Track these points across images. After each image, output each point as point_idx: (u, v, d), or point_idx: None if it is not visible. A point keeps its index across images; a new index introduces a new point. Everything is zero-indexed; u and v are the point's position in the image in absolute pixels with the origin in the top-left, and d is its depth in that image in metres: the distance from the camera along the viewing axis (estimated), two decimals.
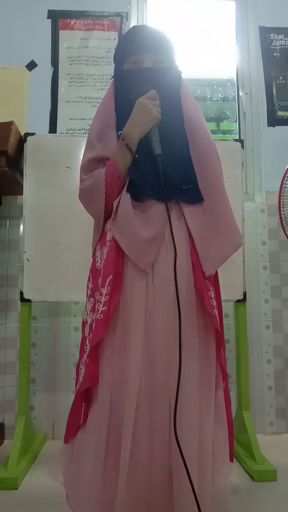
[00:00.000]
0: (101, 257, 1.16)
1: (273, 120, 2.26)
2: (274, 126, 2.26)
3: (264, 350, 2.09)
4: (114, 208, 1.14)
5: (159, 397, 1.03)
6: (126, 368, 1.04)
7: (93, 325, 1.10)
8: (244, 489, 1.47)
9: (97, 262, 1.18)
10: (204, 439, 1.06)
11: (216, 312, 1.13)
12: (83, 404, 1.10)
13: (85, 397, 1.09)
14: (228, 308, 2.06)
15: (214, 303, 1.13)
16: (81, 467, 1.07)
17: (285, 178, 1.90)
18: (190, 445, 1.03)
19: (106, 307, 1.07)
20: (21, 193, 1.85)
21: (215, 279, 1.20)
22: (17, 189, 1.95)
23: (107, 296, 1.07)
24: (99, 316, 1.07)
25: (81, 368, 1.13)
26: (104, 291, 1.08)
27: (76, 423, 1.11)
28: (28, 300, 1.78)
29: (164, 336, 1.05)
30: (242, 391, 1.82)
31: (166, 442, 1.01)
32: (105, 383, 1.06)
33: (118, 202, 1.13)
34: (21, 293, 1.77)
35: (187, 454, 1.01)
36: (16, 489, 1.49)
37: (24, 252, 1.79)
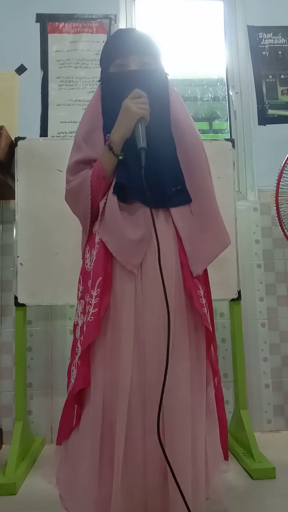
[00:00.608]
0: (90, 259, 1.17)
1: (264, 119, 2.26)
2: (265, 125, 2.26)
3: (260, 348, 2.10)
4: (101, 209, 1.14)
5: (151, 396, 1.04)
6: (117, 369, 1.05)
7: (84, 327, 1.10)
8: (243, 488, 1.47)
9: (87, 264, 1.18)
10: (196, 437, 1.06)
11: (205, 310, 1.14)
12: (76, 406, 1.10)
13: (77, 399, 1.10)
14: (223, 307, 2.06)
15: (204, 301, 1.14)
16: (76, 468, 1.07)
17: (283, 174, 1.89)
18: (183, 444, 1.03)
19: (96, 309, 1.07)
20: (13, 198, 1.85)
21: (204, 277, 1.20)
22: (9, 194, 1.95)
23: (97, 298, 1.08)
24: (90, 318, 1.07)
25: (72, 370, 1.14)
26: (94, 293, 1.08)
27: (69, 425, 1.11)
28: (23, 305, 1.78)
29: (155, 336, 1.06)
30: (239, 389, 1.83)
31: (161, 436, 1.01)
32: (97, 384, 1.06)
33: (105, 203, 1.14)
34: (16, 298, 1.77)
35: (180, 452, 1.01)
36: (15, 494, 1.48)
37: (18, 256, 1.79)
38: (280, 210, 1.88)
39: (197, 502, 1.03)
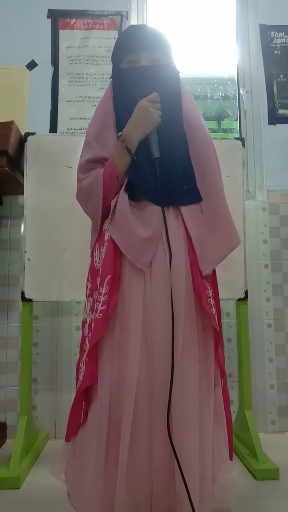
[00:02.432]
0: (99, 257, 1.16)
1: (274, 118, 2.25)
2: (275, 124, 2.25)
3: (266, 349, 2.09)
4: (112, 207, 1.14)
5: (158, 395, 1.04)
6: (125, 367, 1.05)
7: (92, 325, 1.10)
8: (247, 488, 1.47)
9: (96, 262, 1.18)
10: (204, 437, 1.06)
11: (214, 310, 1.13)
12: (83, 403, 1.10)
13: (85, 396, 1.10)
14: (229, 307, 2.06)
15: (212, 301, 1.14)
16: (83, 465, 1.07)
17: None
18: (191, 443, 1.03)
19: (105, 306, 1.07)
20: (22, 193, 1.85)
21: (213, 277, 1.20)
22: (18, 189, 1.95)
23: (106, 296, 1.08)
24: (98, 316, 1.07)
25: (81, 367, 1.14)
26: (103, 291, 1.08)
27: (76, 422, 1.11)
28: (30, 300, 1.78)
29: (162, 335, 1.06)
30: (244, 389, 1.82)
31: (166, 439, 1.01)
32: (104, 382, 1.06)
33: (116, 202, 1.13)
34: (23, 293, 1.77)
35: (188, 452, 1.01)
36: (18, 488, 1.49)
37: (25, 252, 1.79)
38: None
39: (204, 500, 1.03)
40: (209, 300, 1.12)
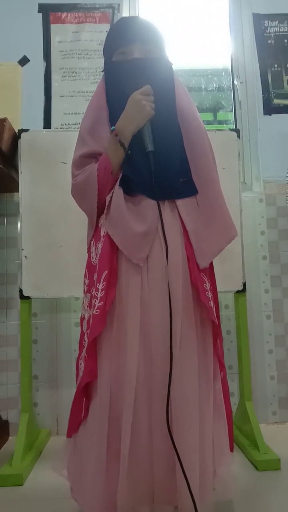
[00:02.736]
0: (96, 253, 1.16)
1: (269, 109, 2.23)
2: (270, 115, 2.23)
3: (265, 340, 2.09)
4: (107, 203, 1.13)
5: (157, 389, 1.04)
6: (124, 362, 1.05)
7: (91, 321, 1.10)
8: (248, 479, 1.48)
9: (92, 258, 1.18)
10: (204, 430, 1.06)
11: (212, 304, 1.13)
12: (84, 399, 1.10)
13: (85, 392, 1.10)
14: (228, 299, 2.05)
15: (210, 295, 1.13)
16: (84, 461, 1.08)
17: None
18: (191, 437, 1.03)
19: (102, 302, 1.07)
20: (17, 190, 1.84)
21: (210, 270, 1.19)
22: (13, 186, 1.94)
23: (103, 292, 1.07)
24: (96, 312, 1.07)
25: (80, 363, 1.14)
26: (100, 287, 1.08)
27: (77, 418, 1.12)
28: (28, 297, 1.78)
29: (160, 329, 1.06)
30: (244, 381, 1.83)
31: (166, 433, 1.01)
32: (103, 377, 1.07)
33: (111, 197, 1.13)
34: (21, 291, 1.77)
35: (188, 445, 1.02)
36: (22, 485, 1.50)
37: (22, 249, 1.78)
38: None
39: (205, 493, 1.03)
40: (207, 294, 1.12)
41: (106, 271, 1.09)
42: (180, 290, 1.08)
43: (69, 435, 1.16)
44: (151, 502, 1.04)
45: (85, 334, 1.14)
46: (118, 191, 1.12)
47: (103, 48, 1.28)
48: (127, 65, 1.18)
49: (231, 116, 2.33)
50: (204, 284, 1.13)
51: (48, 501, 1.38)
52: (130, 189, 1.12)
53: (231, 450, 1.16)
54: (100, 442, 1.04)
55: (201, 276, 1.12)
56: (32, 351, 1.94)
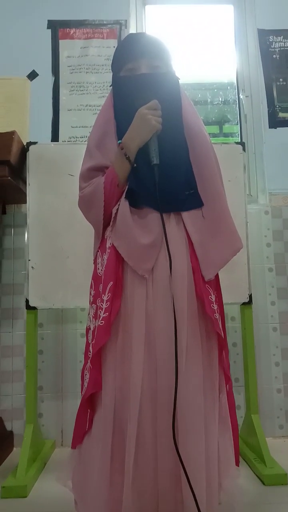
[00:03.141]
0: (101, 264, 1.17)
1: (275, 122, 2.26)
2: (275, 128, 2.25)
3: (272, 353, 2.08)
4: (113, 215, 1.15)
5: (162, 401, 1.04)
6: (128, 374, 1.05)
7: (95, 332, 1.11)
8: (255, 493, 1.46)
9: (98, 269, 1.19)
10: (210, 443, 1.06)
11: (217, 316, 1.13)
12: (88, 410, 1.10)
13: (89, 403, 1.10)
14: (234, 311, 2.05)
15: (215, 307, 1.13)
16: (88, 472, 1.07)
17: None
18: (196, 450, 1.03)
19: (107, 313, 1.08)
20: (25, 202, 1.87)
21: (216, 282, 1.20)
22: (21, 198, 1.97)
23: (108, 303, 1.08)
24: (101, 323, 1.08)
25: (85, 374, 1.14)
26: (105, 298, 1.09)
27: (82, 429, 1.12)
28: (34, 308, 1.79)
29: (165, 340, 1.06)
30: (250, 394, 1.81)
31: (171, 445, 1.01)
32: (108, 388, 1.07)
33: (117, 209, 1.14)
34: (27, 301, 1.78)
35: (194, 458, 1.01)
36: (26, 497, 1.49)
37: (29, 260, 1.80)
38: None
39: (210, 507, 1.02)
40: (212, 306, 1.12)
41: (112, 282, 1.09)
42: (185, 301, 1.09)
43: (73, 446, 1.15)
44: None
45: (91, 345, 1.15)
46: (124, 204, 1.13)
47: (111, 64, 1.31)
48: (134, 80, 1.21)
49: (236, 129, 2.36)
50: (210, 296, 1.13)
51: None
52: (136, 202, 1.14)
53: (237, 464, 1.14)
54: (103, 453, 1.03)
55: (206, 288, 1.12)
56: (37, 361, 1.94)
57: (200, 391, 1.06)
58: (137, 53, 1.22)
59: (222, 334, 1.14)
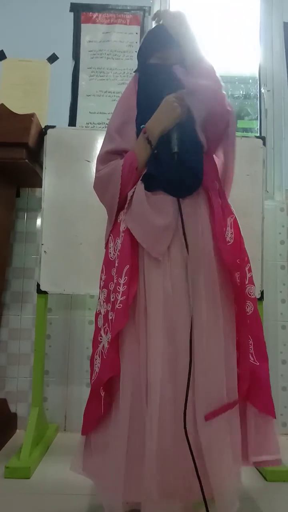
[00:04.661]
0: (114, 248, 1.17)
1: None
2: None
3: (279, 351, 2.07)
4: (129, 198, 1.15)
5: (182, 382, 1.04)
6: (147, 356, 1.05)
7: (109, 316, 1.12)
8: (257, 489, 1.46)
9: (110, 253, 1.19)
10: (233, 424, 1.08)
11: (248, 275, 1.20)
12: (103, 393, 1.10)
13: (104, 387, 1.10)
14: None
15: (238, 276, 1.15)
16: (108, 455, 1.07)
17: None
18: (219, 425, 1.04)
19: (124, 296, 1.08)
20: (40, 186, 1.86)
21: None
22: (36, 182, 1.96)
23: (125, 286, 1.08)
24: (119, 306, 1.08)
25: (96, 359, 1.14)
26: (122, 281, 1.09)
27: (96, 413, 1.11)
28: (45, 292, 1.79)
29: (184, 322, 1.07)
30: None
31: (192, 427, 1.03)
32: (127, 371, 1.07)
33: (133, 192, 1.15)
34: (38, 285, 1.78)
35: (216, 433, 1.03)
36: (29, 478, 1.50)
37: (42, 244, 1.80)
38: None
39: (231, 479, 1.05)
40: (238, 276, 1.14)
41: (128, 266, 1.10)
42: (202, 281, 1.10)
43: (84, 432, 1.14)
44: (182, 496, 1.04)
45: (102, 329, 1.15)
46: (140, 187, 1.15)
47: (139, 50, 1.31)
48: (165, 69, 1.20)
49: (255, 124, 2.33)
50: (237, 260, 1.17)
51: (55, 496, 1.38)
52: (152, 186, 1.15)
53: (273, 415, 1.16)
54: (122, 436, 1.04)
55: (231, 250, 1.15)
56: (45, 346, 1.94)
57: (222, 368, 1.07)
58: (168, 42, 1.23)
59: (239, 284, 1.15)
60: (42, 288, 1.78)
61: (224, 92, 1.18)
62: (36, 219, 2.09)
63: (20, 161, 1.75)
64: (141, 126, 1.18)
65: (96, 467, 1.11)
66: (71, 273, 1.79)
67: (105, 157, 1.22)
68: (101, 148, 1.26)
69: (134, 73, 1.32)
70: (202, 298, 1.09)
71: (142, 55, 1.29)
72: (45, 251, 1.79)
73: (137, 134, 1.20)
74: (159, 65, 1.23)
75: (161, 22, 1.26)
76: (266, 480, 1.53)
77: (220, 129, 1.16)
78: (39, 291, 1.78)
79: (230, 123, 1.16)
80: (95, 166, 1.27)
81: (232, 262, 1.13)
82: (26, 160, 1.75)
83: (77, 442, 1.18)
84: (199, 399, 1.04)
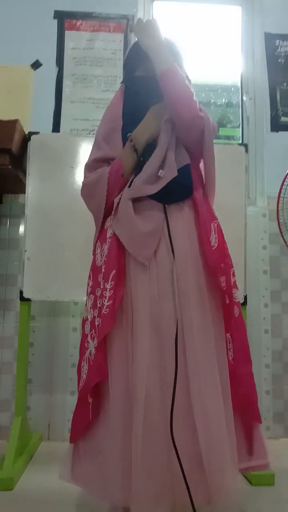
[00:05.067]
0: (101, 254, 1.18)
1: (277, 126, 2.27)
2: (277, 132, 2.27)
3: (262, 355, 2.09)
4: (115, 205, 1.16)
5: (170, 385, 1.04)
6: (133, 360, 1.05)
7: (95, 322, 1.12)
8: (242, 494, 1.46)
9: (97, 259, 1.20)
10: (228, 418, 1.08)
11: (232, 279, 1.19)
12: (91, 400, 1.09)
13: (92, 393, 1.09)
14: None
15: (223, 279, 1.16)
16: (100, 461, 1.06)
17: (285, 183, 1.92)
18: (218, 426, 1.05)
19: (111, 301, 1.08)
20: (23, 192, 1.85)
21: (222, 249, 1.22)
22: (19, 188, 1.95)
23: (112, 291, 1.09)
24: (105, 311, 1.08)
25: (83, 366, 1.13)
26: (108, 286, 1.09)
27: (84, 420, 1.10)
28: (28, 299, 1.77)
29: (170, 325, 1.07)
30: None
31: (189, 425, 1.03)
32: (115, 376, 1.07)
33: (119, 199, 1.16)
34: (21, 292, 1.76)
35: (216, 436, 1.03)
36: (12, 489, 1.47)
37: (25, 251, 1.78)
38: (281, 217, 1.91)
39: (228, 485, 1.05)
40: (223, 280, 1.15)
41: (114, 270, 1.10)
42: (189, 283, 1.10)
43: (72, 439, 1.13)
44: (172, 500, 1.03)
45: (88, 336, 1.15)
46: (126, 193, 1.15)
47: (125, 61, 1.33)
48: (151, 81, 1.21)
49: (237, 132, 2.36)
50: (222, 264, 1.17)
51: (38, 506, 1.36)
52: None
53: (259, 421, 1.19)
54: (114, 440, 1.04)
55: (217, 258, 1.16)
56: (28, 354, 1.92)
57: (214, 367, 1.08)
58: None
59: (225, 287, 1.15)
60: (25, 295, 1.76)
61: (196, 99, 1.18)
62: (19, 225, 2.08)
63: (3, 167, 1.74)
64: (128, 135, 1.20)
65: (86, 474, 1.10)
66: (54, 280, 1.78)
67: (92, 165, 1.24)
68: (89, 155, 1.28)
69: (120, 84, 1.34)
70: (191, 301, 1.09)
71: (128, 66, 1.32)
72: (28, 258, 1.78)
73: (123, 143, 1.21)
74: (144, 77, 1.24)
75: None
76: (251, 484, 1.53)
77: (195, 136, 1.17)
78: (22, 298, 1.76)
79: (205, 128, 1.17)
80: (82, 173, 1.28)
81: (217, 265, 1.14)
82: (10, 166, 1.74)
83: (61, 450, 1.17)
84: (195, 402, 1.04)
